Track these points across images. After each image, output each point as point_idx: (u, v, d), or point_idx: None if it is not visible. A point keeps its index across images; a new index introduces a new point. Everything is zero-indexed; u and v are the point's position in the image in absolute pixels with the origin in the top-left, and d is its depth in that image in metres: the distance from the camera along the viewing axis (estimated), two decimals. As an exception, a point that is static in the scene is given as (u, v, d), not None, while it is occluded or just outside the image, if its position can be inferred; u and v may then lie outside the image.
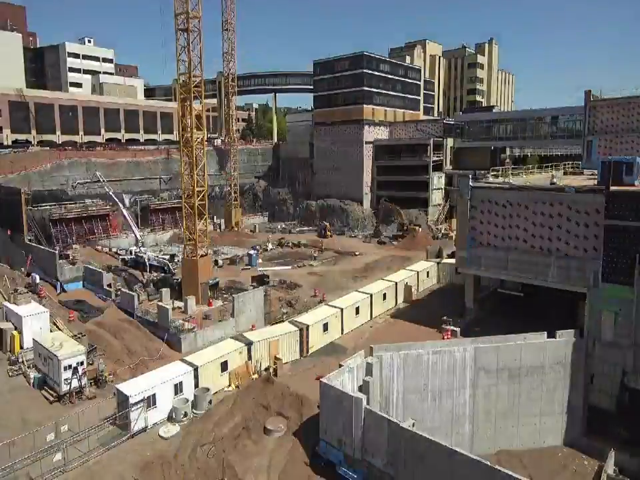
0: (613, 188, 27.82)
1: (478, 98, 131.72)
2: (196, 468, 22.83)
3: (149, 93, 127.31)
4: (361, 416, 22.00)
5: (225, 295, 44.41)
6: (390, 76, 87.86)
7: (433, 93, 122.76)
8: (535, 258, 31.90)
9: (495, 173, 40.62)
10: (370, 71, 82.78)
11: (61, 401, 28.39)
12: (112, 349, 34.31)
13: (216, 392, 29.53)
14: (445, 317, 38.58)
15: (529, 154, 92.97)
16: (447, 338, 34.49)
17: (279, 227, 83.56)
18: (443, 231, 71.79)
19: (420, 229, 70.22)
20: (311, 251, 63.72)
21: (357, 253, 62.08)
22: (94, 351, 33.10)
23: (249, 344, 32.06)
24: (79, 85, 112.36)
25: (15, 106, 77.76)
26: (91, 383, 29.91)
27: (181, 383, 27.63)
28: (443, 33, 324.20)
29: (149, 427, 25.97)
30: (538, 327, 28.30)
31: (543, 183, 33.93)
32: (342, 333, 38.51)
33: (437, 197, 78.34)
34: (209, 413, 26.82)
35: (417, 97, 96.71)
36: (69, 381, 28.65)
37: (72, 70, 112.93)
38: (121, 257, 56.23)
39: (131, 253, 55.01)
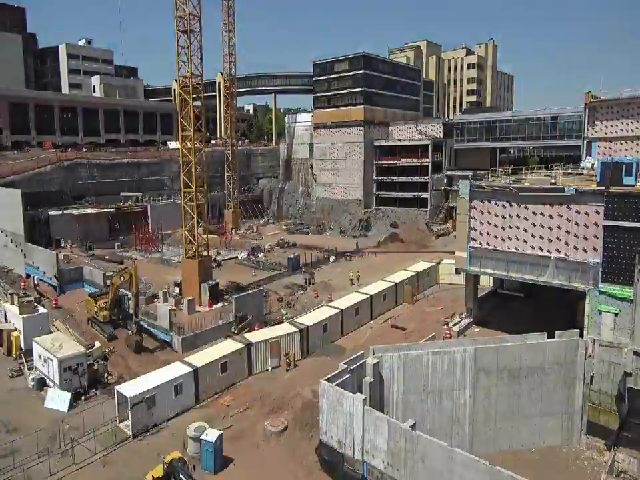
0: (612, 189, 27.85)
1: (477, 98, 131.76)
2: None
3: (149, 93, 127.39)
4: (361, 416, 21.98)
5: (225, 296, 44.39)
6: (389, 76, 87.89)
7: (432, 94, 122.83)
8: (535, 258, 31.91)
9: (495, 173, 40.63)
10: (369, 72, 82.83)
11: (61, 402, 28.38)
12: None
13: (216, 392, 29.65)
14: (444, 318, 38.65)
15: (528, 155, 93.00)
16: (448, 336, 34.52)
17: (279, 227, 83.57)
18: (442, 232, 71.92)
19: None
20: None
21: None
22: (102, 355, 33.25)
23: (249, 345, 32.06)
24: (78, 86, 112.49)
25: (15, 107, 77.79)
26: (90, 384, 29.90)
27: (180, 384, 27.63)
28: (442, 34, 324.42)
29: (149, 428, 25.98)
30: (538, 327, 28.30)
31: (543, 184, 33.93)
32: (342, 334, 38.52)
33: (436, 197, 78.40)
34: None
35: (416, 98, 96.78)
36: (68, 382, 28.66)
37: (71, 71, 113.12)
38: None
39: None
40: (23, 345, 33.97)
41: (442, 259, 52.31)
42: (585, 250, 29.73)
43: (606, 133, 53.78)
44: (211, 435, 22.98)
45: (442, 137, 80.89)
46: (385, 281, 45.70)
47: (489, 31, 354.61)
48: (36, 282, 46.97)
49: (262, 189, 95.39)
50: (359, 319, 40.40)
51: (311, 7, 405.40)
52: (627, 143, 52.79)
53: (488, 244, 34.47)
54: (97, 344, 34.01)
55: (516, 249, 32.94)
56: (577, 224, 29.94)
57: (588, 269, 29.21)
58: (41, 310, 36.58)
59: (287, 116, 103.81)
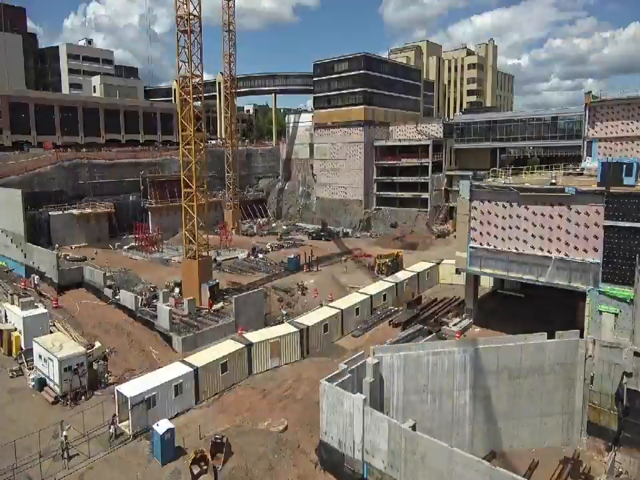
0: (612, 189, 27.86)
1: (477, 99, 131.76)
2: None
3: (149, 93, 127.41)
4: (361, 417, 21.99)
5: (225, 296, 44.37)
6: (390, 77, 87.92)
7: (432, 94, 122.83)
8: (535, 258, 31.91)
9: (495, 173, 40.63)
10: (370, 72, 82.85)
11: (61, 402, 28.39)
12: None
13: (217, 392, 29.68)
14: (444, 319, 38.64)
15: (528, 155, 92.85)
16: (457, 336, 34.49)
17: (280, 227, 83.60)
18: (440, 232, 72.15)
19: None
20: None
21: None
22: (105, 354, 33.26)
23: (249, 345, 32.07)
24: (78, 86, 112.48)
25: (15, 107, 77.77)
26: (90, 384, 29.91)
27: (181, 384, 27.64)
28: (442, 34, 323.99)
29: (149, 428, 25.95)
30: (538, 327, 28.31)
31: (543, 184, 33.94)
32: (342, 334, 38.52)
33: (437, 197, 78.42)
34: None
35: (416, 98, 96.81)
36: (68, 382, 28.66)
37: (72, 71, 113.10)
38: None
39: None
40: (23, 345, 33.97)
41: (442, 259, 52.32)
42: (585, 250, 29.73)
43: (606, 133, 53.76)
44: (162, 426, 23.64)
45: (442, 137, 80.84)
46: (385, 281, 45.70)
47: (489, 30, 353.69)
48: (36, 282, 46.95)
49: (262, 189, 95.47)
50: (359, 319, 40.39)
51: (311, 6, 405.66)
52: (627, 143, 52.79)
53: (488, 244, 34.49)
54: (97, 344, 34.00)
55: (516, 249, 32.95)
56: (577, 224, 29.95)
57: (588, 269, 29.21)
58: (41, 310, 36.58)
59: (287, 116, 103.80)
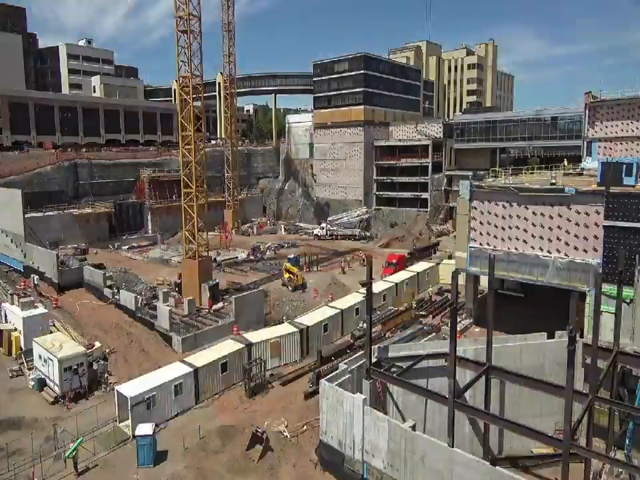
0: (612, 189, 27.87)
1: (477, 99, 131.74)
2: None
3: (149, 93, 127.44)
4: (361, 417, 21.98)
5: (225, 296, 44.37)
6: (389, 77, 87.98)
7: (432, 94, 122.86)
8: (535, 259, 31.92)
9: (495, 173, 40.65)
10: (369, 72, 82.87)
11: (61, 402, 28.39)
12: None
13: (217, 393, 29.66)
14: (444, 319, 38.65)
15: (528, 155, 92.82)
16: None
17: (280, 227, 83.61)
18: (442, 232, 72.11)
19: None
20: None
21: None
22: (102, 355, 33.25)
23: (249, 345, 32.06)
24: (78, 86, 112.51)
25: (15, 107, 77.78)
26: (90, 384, 29.90)
27: (181, 384, 27.64)
28: (442, 34, 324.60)
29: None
30: (538, 327, 28.28)
31: (543, 184, 33.95)
32: (342, 334, 38.50)
33: (436, 197, 78.42)
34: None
35: (416, 98, 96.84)
36: (68, 382, 28.66)
37: (72, 71, 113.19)
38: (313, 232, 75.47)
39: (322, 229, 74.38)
40: (23, 345, 33.96)
41: (442, 258, 52.32)
42: (585, 250, 29.74)
43: (606, 133, 53.79)
44: (142, 431, 23.33)
45: (442, 137, 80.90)
46: (385, 281, 45.68)
47: (489, 30, 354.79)
48: (36, 282, 46.92)
49: (262, 189, 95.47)
50: (359, 319, 40.35)
51: (312, 6, 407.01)
52: (627, 143, 52.80)
53: (488, 244, 34.49)
54: (97, 344, 34.00)
55: (516, 249, 32.96)
56: (577, 224, 29.96)
57: (588, 269, 29.22)
58: (41, 310, 36.57)
59: (287, 116, 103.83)
